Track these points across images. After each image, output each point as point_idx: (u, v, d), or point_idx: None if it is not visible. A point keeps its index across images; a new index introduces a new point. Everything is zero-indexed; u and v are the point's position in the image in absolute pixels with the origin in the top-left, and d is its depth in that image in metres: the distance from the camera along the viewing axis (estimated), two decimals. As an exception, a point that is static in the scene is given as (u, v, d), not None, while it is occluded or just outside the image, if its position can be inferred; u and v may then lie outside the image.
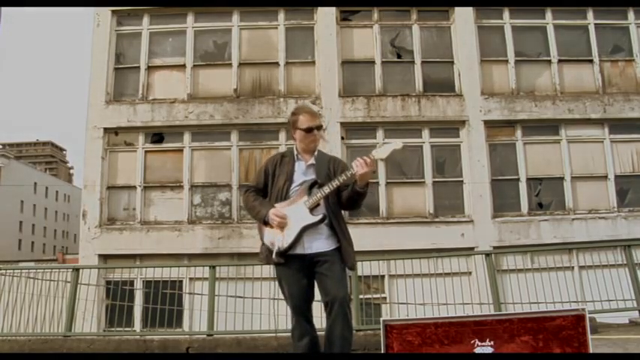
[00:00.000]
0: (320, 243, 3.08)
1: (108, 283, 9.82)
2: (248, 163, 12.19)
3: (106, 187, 12.08)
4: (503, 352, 2.67)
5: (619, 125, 12.25)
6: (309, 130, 3.18)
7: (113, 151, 12.31)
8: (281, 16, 12.72)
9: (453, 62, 12.55)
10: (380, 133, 12.15)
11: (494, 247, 10.88)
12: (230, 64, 12.54)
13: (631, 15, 12.72)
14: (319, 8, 12.58)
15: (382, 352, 2.79)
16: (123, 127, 12.29)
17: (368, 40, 12.64)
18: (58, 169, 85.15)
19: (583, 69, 12.60)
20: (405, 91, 12.35)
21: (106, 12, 12.61)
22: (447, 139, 12.26)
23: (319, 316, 3.14)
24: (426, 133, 12.22)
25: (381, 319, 2.89)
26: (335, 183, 3.02)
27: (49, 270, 7.63)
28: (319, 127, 3.25)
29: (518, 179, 12.05)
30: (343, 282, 3.07)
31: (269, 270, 3.99)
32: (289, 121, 3.30)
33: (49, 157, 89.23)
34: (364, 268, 7.20)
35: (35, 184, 57.57)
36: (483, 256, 7.01)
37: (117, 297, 8.41)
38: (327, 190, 3.03)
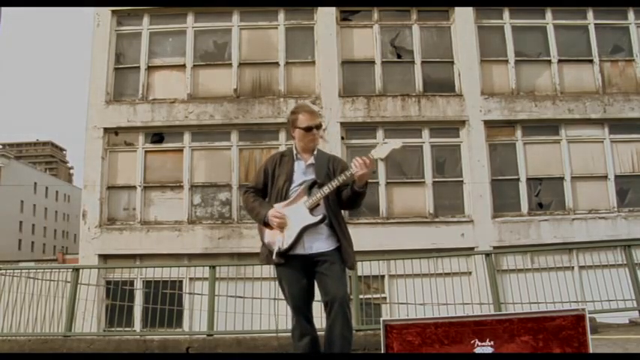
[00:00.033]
0: (320, 243, 3.08)
1: (108, 283, 9.81)
2: (248, 163, 12.19)
3: (106, 187, 12.08)
4: (503, 352, 2.67)
5: (619, 125, 12.25)
6: (308, 129, 3.18)
7: (113, 151, 12.31)
8: (281, 16, 12.72)
9: (453, 62, 12.55)
10: (380, 133, 12.15)
11: (494, 247, 10.88)
12: (230, 64, 12.54)
13: (631, 15, 12.72)
14: (319, 8, 12.58)
15: (382, 352, 2.78)
16: (123, 127, 12.29)
17: (368, 40, 12.64)
18: (58, 169, 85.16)
19: (583, 69, 12.60)
20: (405, 91, 12.35)
21: (106, 12, 12.61)
22: (447, 139, 12.26)
23: (319, 316, 3.14)
24: (426, 133, 12.22)
25: (381, 319, 2.89)
26: (334, 183, 3.02)
27: (49, 270, 7.63)
28: (319, 127, 3.24)
29: (518, 179, 12.05)
30: (343, 282, 3.07)
31: (269, 270, 3.99)
32: (289, 119, 3.29)
33: (49, 157, 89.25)
34: (364, 268, 7.21)
35: (35, 184, 57.57)
36: (483, 256, 7.01)
37: (117, 297, 8.41)
38: (326, 190, 3.03)
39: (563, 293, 6.89)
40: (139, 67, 12.54)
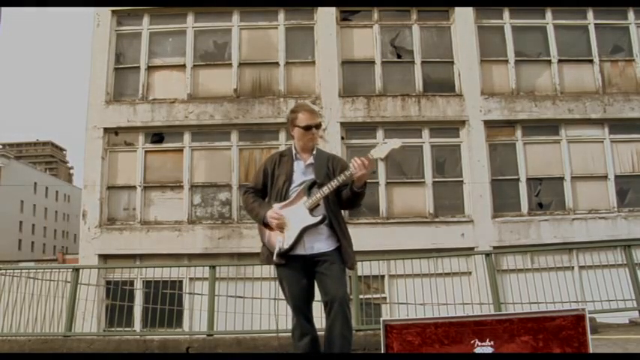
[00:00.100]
0: (321, 243, 3.08)
1: (108, 283, 9.81)
2: (248, 163, 12.19)
3: (106, 187, 12.08)
4: (503, 352, 2.67)
5: (619, 125, 12.25)
6: (307, 128, 3.17)
7: (113, 151, 12.31)
8: (281, 16, 12.72)
9: (452, 62, 12.55)
10: (380, 133, 12.15)
11: (494, 247, 10.88)
12: (230, 64, 12.54)
13: (631, 15, 12.72)
14: (319, 8, 12.58)
15: (382, 352, 2.78)
16: (123, 127, 12.29)
17: (368, 40, 12.64)
18: (58, 169, 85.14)
19: (583, 69, 12.60)
20: (405, 91, 12.35)
21: (106, 12, 12.61)
22: (447, 139, 12.26)
23: (319, 316, 3.14)
24: (426, 133, 12.22)
25: (381, 319, 2.89)
26: (334, 183, 3.02)
27: (49, 270, 7.64)
28: (318, 126, 3.24)
29: (518, 179, 12.05)
30: (343, 281, 3.07)
31: (269, 270, 3.99)
32: (288, 118, 3.29)
33: (49, 157, 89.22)
34: (364, 268, 7.20)
35: (35, 184, 57.58)
36: (483, 256, 7.01)
37: (117, 297, 8.42)
38: (326, 190, 3.03)
39: (563, 293, 6.88)
40: (139, 67, 12.54)
